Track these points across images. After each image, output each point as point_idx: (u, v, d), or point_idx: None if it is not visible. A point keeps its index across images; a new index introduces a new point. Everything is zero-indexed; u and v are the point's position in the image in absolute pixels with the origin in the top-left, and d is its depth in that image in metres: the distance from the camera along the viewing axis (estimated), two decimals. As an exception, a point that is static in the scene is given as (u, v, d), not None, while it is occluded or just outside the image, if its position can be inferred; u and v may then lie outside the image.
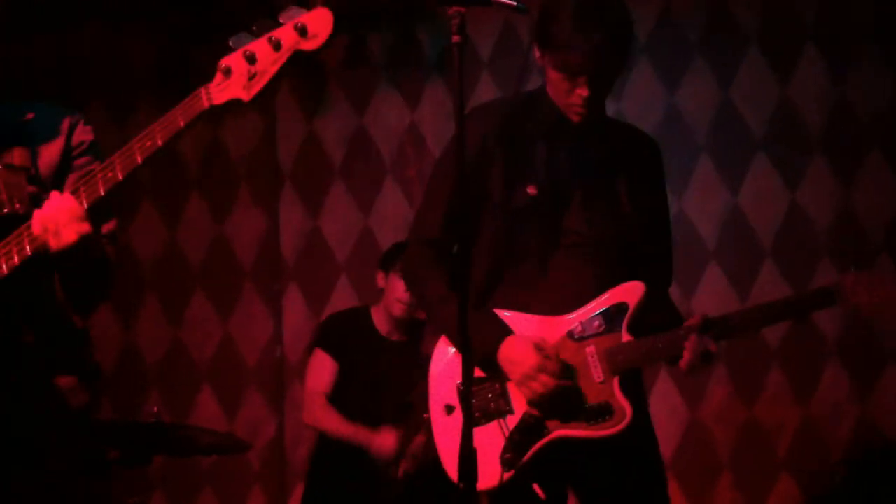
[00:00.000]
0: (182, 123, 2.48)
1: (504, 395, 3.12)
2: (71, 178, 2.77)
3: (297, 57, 2.43)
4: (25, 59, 5.74)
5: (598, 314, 3.14)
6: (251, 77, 2.42)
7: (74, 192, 2.53)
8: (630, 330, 3.12)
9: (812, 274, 5.07)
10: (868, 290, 3.04)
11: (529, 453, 3.08)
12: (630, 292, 3.14)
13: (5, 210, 2.67)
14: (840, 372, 5.11)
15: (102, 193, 2.52)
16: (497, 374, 3.12)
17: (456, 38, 2.68)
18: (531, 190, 3.15)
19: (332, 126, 5.94)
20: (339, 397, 5.00)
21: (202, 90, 2.46)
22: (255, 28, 2.45)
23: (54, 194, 2.55)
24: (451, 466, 2.98)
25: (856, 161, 5.15)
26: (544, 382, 3.04)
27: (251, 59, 2.42)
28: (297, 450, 5.77)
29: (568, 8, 3.04)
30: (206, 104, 2.47)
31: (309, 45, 2.41)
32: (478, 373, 3.09)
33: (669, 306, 3.33)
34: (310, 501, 5.08)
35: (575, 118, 3.16)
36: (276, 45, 2.41)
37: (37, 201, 2.67)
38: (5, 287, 2.59)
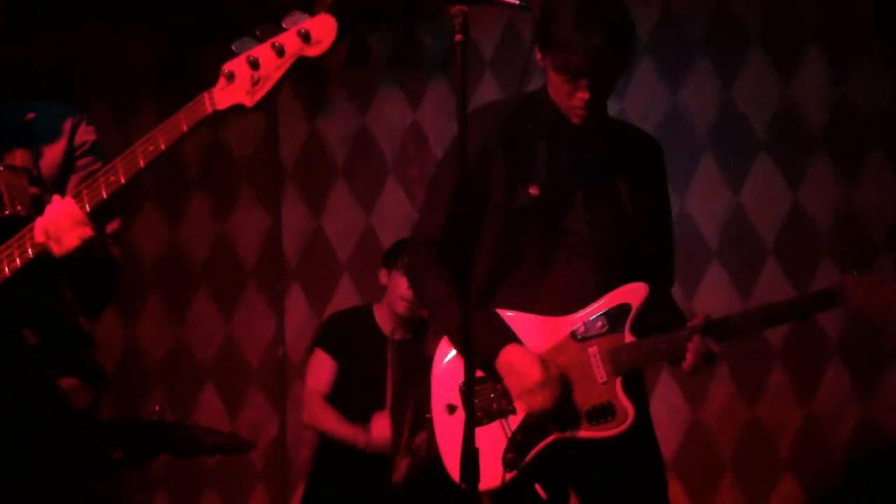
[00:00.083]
0: (185, 128, 2.48)
1: (506, 394, 3.12)
2: (73, 178, 2.77)
3: (301, 63, 2.42)
4: (25, 59, 5.74)
5: (601, 315, 3.14)
6: (255, 83, 2.42)
7: (76, 196, 2.53)
8: (633, 331, 3.13)
9: (814, 274, 5.07)
10: (870, 292, 3.05)
11: (532, 453, 3.08)
12: (633, 293, 3.14)
13: (6, 212, 2.66)
14: (842, 372, 5.11)
15: (105, 197, 2.52)
16: (499, 375, 3.12)
17: (458, 38, 2.68)
18: (533, 190, 3.15)
19: (335, 125, 5.94)
20: (341, 396, 5.00)
21: (205, 95, 2.46)
22: (258, 33, 2.45)
23: (56, 199, 2.55)
24: (453, 466, 2.98)
25: (857, 161, 5.14)
26: (546, 398, 3.04)
27: (254, 65, 2.42)
28: (299, 450, 5.77)
29: (569, 10, 3.04)
30: (209, 109, 2.47)
31: (312, 52, 2.40)
32: (479, 373, 3.09)
33: (672, 307, 3.34)
34: (312, 501, 5.08)
35: (576, 120, 3.16)
36: (280, 51, 2.40)
37: (38, 203, 2.67)
38: (8, 288, 2.59)
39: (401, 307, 4.97)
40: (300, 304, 5.96)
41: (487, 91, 5.45)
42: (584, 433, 3.07)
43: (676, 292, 3.42)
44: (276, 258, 6.01)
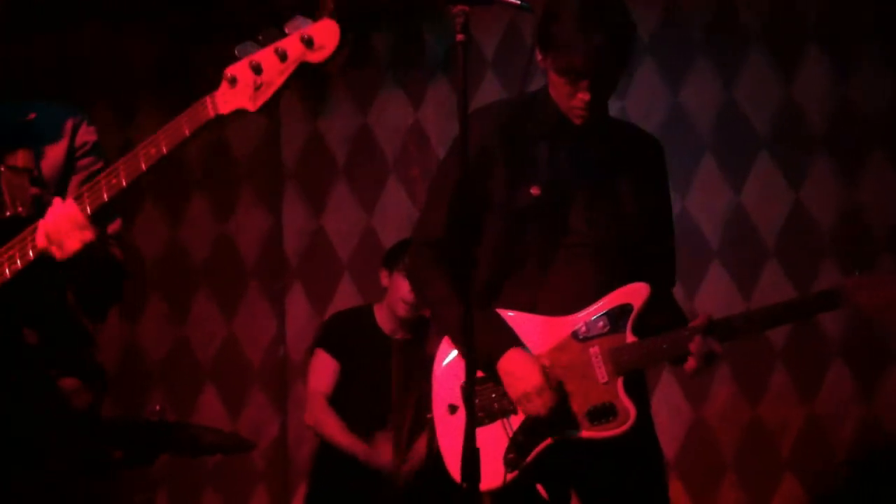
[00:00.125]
0: (187, 132, 2.48)
1: (507, 395, 3.12)
2: (75, 179, 2.77)
3: (304, 68, 2.41)
4: (25, 60, 5.74)
5: (602, 315, 3.14)
6: (257, 87, 2.42)
7: (78, 198, 2.52)
8: (634, 331, 3.13)
9: (815, 273, 5.07)
10: (872, 293, 3.05)
11: (533, 454, 3.07)
12: (635, 293, 3.14)
13: (8, 213, 2.66)
14: (844, 372, 5.11)
15: (106, 199, 2.51)
16: (500, 376, 3.12)
17: (460, 38, 2.68)
18: (535, 190, 3.15)
19: (336, 125, 5.94)
20: (342, 397, 5.00)
21: (207, 99, 2.46)
22: (260, 37, 2.44)
23: (56, 202, 2.54)
24: (455, 467, 2.98)
25: (859, 160, 5.14)
26: (542, 404, 3.04)
27: (257, 70, 2.41)
28: (300, 449, 5.77)
29: (569, 11, 3.04)
30: (211, 113, 2.47)
31: (315, 57, 2.40)
32: (481, 373, 3.09)
33: (673, 306, 3.33)
34: (313, 501, 5.08)
35: (577, 121, 3.16)
36: (283, 56, 2.40)
37: (40, 203, 2.67)
38: (9, 288, 2.59)
39: (401, 309, 4.97)
40: (301, 303, 5.96)
41: (489, 91, 5.45)
42: (586, 433, 3.07)
43: (677, 292, 3.42)
44: (277, 258, 6.01)
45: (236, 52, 2.45)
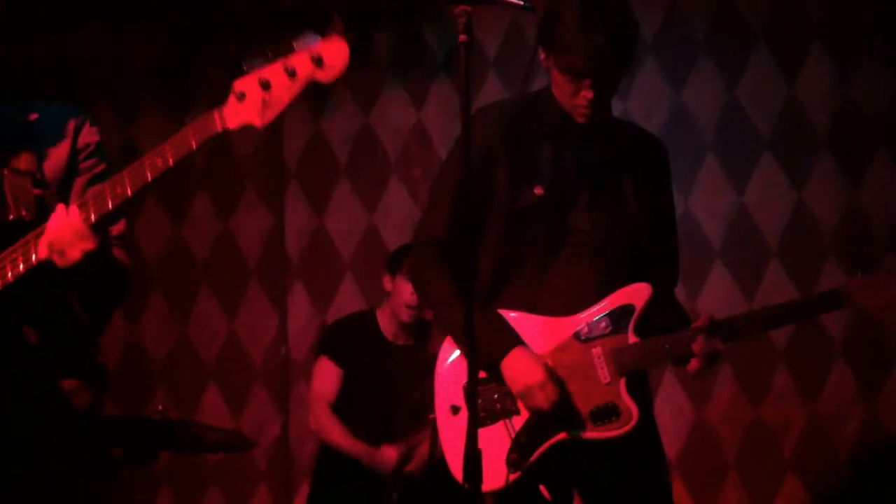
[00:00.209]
0: (194, 145, 2.47)
1: (510, 395, 3.12)
2: (79, 181, 2.77)
3: (312, 85, 2.41)
4: (26, 59, 5.74)
5: (604, 315, 3.14)
6: (265, 103, 2.41)
7: (83, 206, 2.53)
8: (636, 331, 3.13)
9: (818, 274, 5.07)
10: (874, 293, 3.05)
11: (535, 454, 3.07)
12: (637, 294, 3.14)
13: (11, 216, 2.66)
14: (846, 372, 5.10)
15: (111, 208, 2.52)
16: (502, 376, 3.12)
17: (462, 38, 2.67)
18: (538, 190, 3.15)
19: (338, 125, 5.94)
20: (347, 403, 5.00)
21: (215, 113, 2.45)
22: (269, 52, 2.44)
23: (60, 209, 2.54)
24: (457, 467, 2.98)
25: (862, 160, 5.14)
26: (544, 399, 3.04)
27: (265, 86, 2.41)
28: (302, 448, 5.77)
29: (572, 10, 3.04)
30: (219, 128, 2.46)
31: (324, 76, 2.40)
32: (484, 374, 3.09)
33: (675, 307, 3.33)
34: (315, 500, 5.08)
35: (580, 119, 3.16)
36: (292, 74, 2.39)
37: (42, 206, 2.67)
38: (10, 288, 2.59)
39: (405, 315, 4.96)
40: (303, 302, 5.96)
41: (491, 91, 5.45)
42: (588, 434, 3.07)
43: (680, 292, 3.41)
44: (279, 257, 6.01)
45: (244, 66, 2.45)
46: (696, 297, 5.20)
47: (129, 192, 2.50)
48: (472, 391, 2.66)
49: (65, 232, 2.51)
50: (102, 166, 2.81)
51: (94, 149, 2.82)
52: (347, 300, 5.72)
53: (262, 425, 5.92)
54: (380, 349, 5.02)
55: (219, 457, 5.74)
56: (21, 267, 2.56)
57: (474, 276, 2.99)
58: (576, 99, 3.11)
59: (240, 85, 2.44)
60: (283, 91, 2.40)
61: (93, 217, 2.51)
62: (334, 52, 2.38)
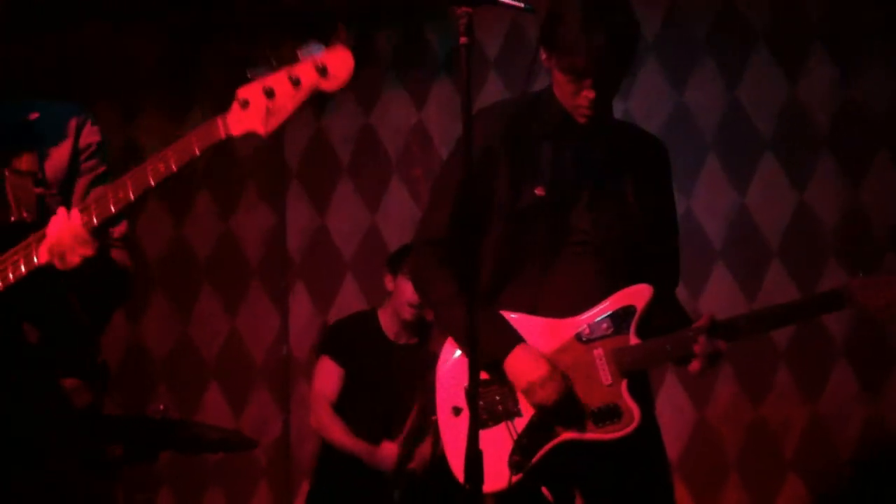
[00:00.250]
0: (197, 151, 2.48)
1: (512, 397, 3.12)
2: (81, 181, 2.77)
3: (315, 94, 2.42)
4: (27, 60, 5.74)
5: (606, 317, 3.13)
6: (269, 112, 2.41)
7: (84, 210, 2.53)
8: (638, 332, 3.13)
9: (819, 274, 5.07)
10: (876, 293, 3.04)
11: (538, 456, 3.07)
12: (638, 295, 3.14)
13: (12, 217, 2.66)
14: (848, 372, 5.10)
15: (113, 212, 2.52)
16: (505, 377, 3.12)
17: (463, 40, 2.67)
18: (539, 191, 3.15)
19: (339, 125, 5.94)
20: (348, 402, 5.00)
21: (219, 119, 2.46)
22: (273, 61, 2.44)
23: (61, 213, 2.55)
24: (459, 468, 2.97)
25: (864, 161, 5.13)
26: (550, 393, 3.04)
27: (269, 94, 2.41)
28: (303, 447, 5.77)
29: (574, 10, 3.04)
30: (222, 134, 2.46)
31: (329, 86, 2.40)
32: (485, 375, 3.09)
33: (676, 307, 3.33)
34: (316, 499, 5.08)
35: (581, 120, 3.16)
36: (296, 83, 2.39)
37: (44, 206, 2.67)
38: (11, 289, 2.59)
39: (407, 313, 4.96)
40: (304, 302, 5.96)
41: (492, 91, 5.45)
42: (590, 435, 3.07)
43: (681, 293, 3.41)
44: (281, 257, 6.01)
45: (248, 73, 2.45)
46: (698, 297, 5.20)
47: (131, 197, 2.50)
48: (473, 391, 2.66)
49: (65, 237, 2.52)
50: (104, 168, 2.81)
51: (96, 149, 2.82)
52: (349, 300, 5.72)
53: (263, 425, 5.92)
54: (382, 349, 5.02)
55: (219, 456, 5.74)
56: (23, 269, 2.57)
57: (475, 276, 2.99)
58: (577, 99, 3.11)
59: (243, 92, 2.43)
60: (287, 99, 2.40)
61: (95, 221, 2.52)
62: (338, 62, 2.38)
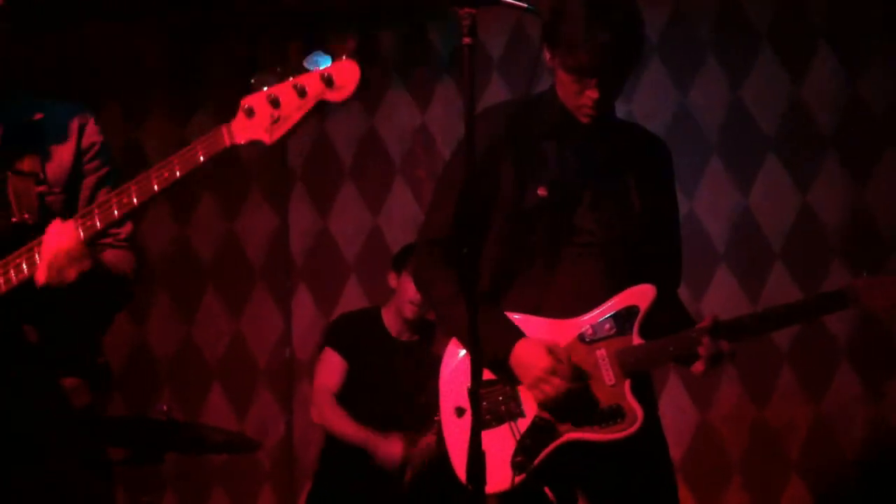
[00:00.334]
0: (202, 159, 2.48)
1: (515, 397, 3.12)
2: (86, 182, 2.78)
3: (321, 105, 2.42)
4: (28, 60, 5.74)
5: (609, 317, 3.13)
6: (274, 121, 2.42)
7: (87, 215, 2.53)
8: (641, 333, 3.12)
9: (823, 276, 5.06)
10: (881, 294, 3.04)
11: (540, 456, 3.07)
12: (641, 295, 3.14)
13: (14, 219, 2.67)
14: (851, 373, 5.10)
15: (117, 217, 2.53)
16: (508, 377, 3.12)
17: (467, 40, 2.67)
18: (542, 191, 3.15)
19: (343, 126, 5.94)
20: (349, 398, 5.00)
21: (224, 128, 2.46)
22: (279, 69, 2.44)
23: (54, 227, 2.55)
24: (462, 469, 2.96)
25: (868, 161, 5.13)
26: (556, 385, 3.04)
27: (275, 103, 2.41)
28: (306, 449, 5.77)
29: (578, 10, 3.04)
30: (227, 142, 2.47)
31: (334, 97, 2.41)
32: (488, 375, 3.09)
33: (679, 307, 3.33)
34: (318, 500, 5.08)
35: (584, 119, 3.15)
36: (301, 93, 2.40)
37: (45, 208, 2.67)
38: (12, 289, 2.60)
39: (409, 311, 4.97)
40: (307, 304, 5.96)
41: (495, 91, 5.45)
42: (594, 435, 3.06)
43: (684, 294, 3.41)
44: (284, 258, 6.01)
45: (253, 81, 2.45)
46: (701, 298, 5.20)
47: (135, 203, 2.51)
48: (475, 390, 2.66)
49: (61, 256, 2.53)
50: (107, 169, 2.81)
51: (99, 149, 2.83)
52: (352, 302, 5.72)
53: (267, 426, 5.92)
54: (385, 346, 5.03)
55: (223, 458, 5.74)
56: (25, 271, 2.57)
57: (477, 276, 2.99)
58: (581, 99, 3.11)
59: (248, 101, 2.44)
60: (293, 109, 2.41)
61: (99, 224, 2.52)
62: (345, 73, 2.39)
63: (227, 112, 2.53)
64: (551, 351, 3.07)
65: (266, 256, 6.04)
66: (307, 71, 2.41)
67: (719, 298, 5.18)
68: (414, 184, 5.77)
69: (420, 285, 3.35)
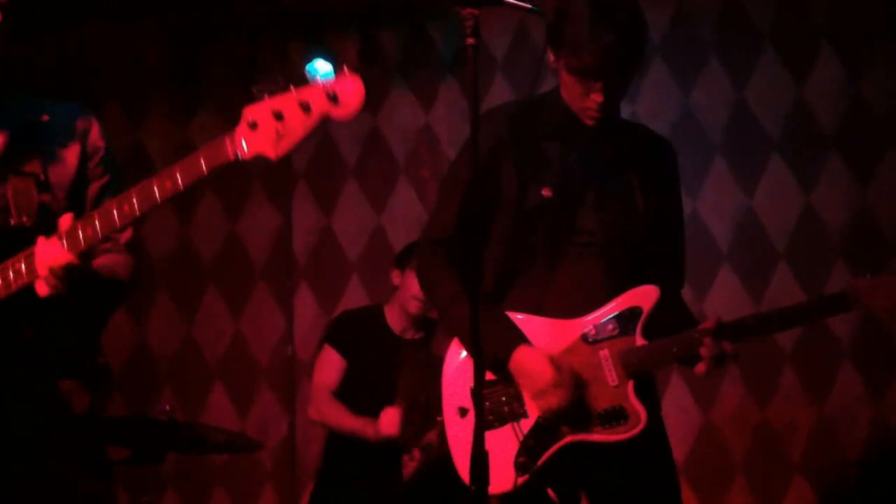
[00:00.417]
0: (205, 171, 2.47)
1: (518, 398, 3.11)
2: (91, 188, 2.77)
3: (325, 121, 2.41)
4: (28, 59, 5.74)
5: (612, 318, 3.13)
6: (279, 135, 2.40)
7: (87, 222, 2.53)
8: (644, 334, 3.12)
9: (826, 276, 5.06)
10: (884, 295, 3.03)
11: (544, 457, 3.06)
12: (644, 296, 3.13)
13: (12, 222, 2.66)
14: (854, 373, 5.10)
15: (118, 227, 2.52)
16: (510, 378, 3.11)
17: (470, 41, 2.67)
18: (546, 192, 3.15)
19: (346, 125, 5.90)
20: (349, 394, 4.99)
21: (227, 139, 2.44)
22: (281, 79, 2.42)
23: (41, 242, 2.54)
24: (465, 470, 2.96)
25: (871, 161, 5.13)
26: (560, 397, 3.03)
27: (279, 117, 2.39)
28: (308, 449, 5.77)
29: (582, 11, 3.03)
30: (231, 156, 2.44)
31: (339, 113, 2.39)
32: (491, 376, 3.08)
33: (681, 307, 3.32)
34: (320, 500, 5.07)
35: (589, 122, 3.15)
36: (306, 108, 2.38)
37: (46, 211, 2.67)
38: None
39: (413, 307, 4.97)
40: (309, 303, 5.96)
41: (499, 92, 5.45)
42: (597, 437, 3.06)
43: (687, 294, 3.41)
44: (286, 258, 6.01)
45: (255, 91, 2.43)
46: (704, 298, 5.20)
47: (137, 212, 2.51)
48: (477, 391, 2.65)
49: (55, 271, 2.52)
50: (108, 177, 2.80)
51: (103, 154, 2.82)
52: (354, 301, 5.72)
53: (269, 426, 5.92)
54: (387, 343, 5.02)
55: (224, 458, 5.74)
56: (25, 277, 2.57)
57: (480, 276, 2.99)
58: (585, 102, 3.11)
59: (251, 113, 2.41)
60: (297, 123, 2.39)
61: (100, 232, 2.52)
62: (350, 90, 2.38)
63: (228, 112, 2.51)
64: (553, 362, 3.06)
65: (268, 255, 6.04)
66: (309, 77, 2.40)
67: (722, 298, 5.18)
68: (417, 183, 5.77)
69: (423, 285, 3.35)
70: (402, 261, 5.07)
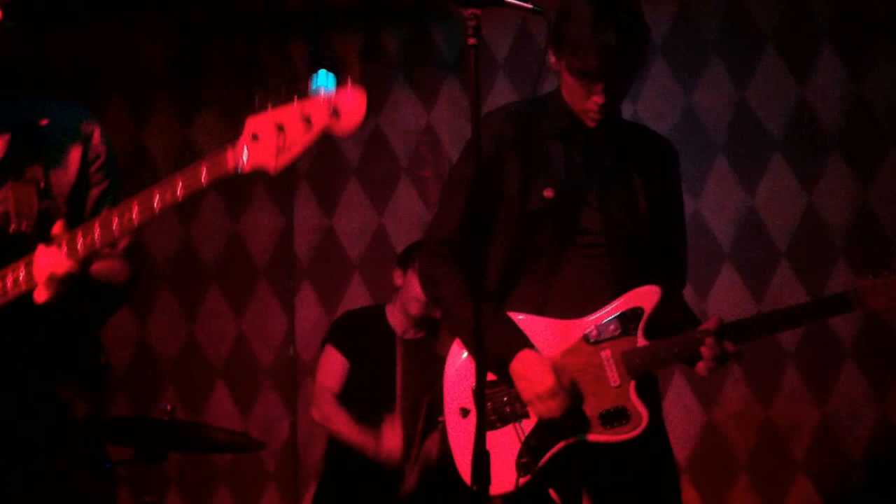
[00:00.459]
0: (205, 183, 2.47)
1: (520, 398, 3.11)
2: (92, 193, 2.77)
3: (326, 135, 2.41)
4: (32, 59, 5.74)
5: (613, 318, 3.13)
6: (280, 148, 2.40)
7: (86, 226, 2.53)
8: (646, 334, 3.12)
9: (827, 275, 5.05)
10: (886, 295, 3.03)
11: (546, 457, 3.07)
12: (646, 296, 3.14)
13: (12, 228, 2.66)
14: (857, 373, 5.09)
15: (117, 235, 2.52)
16: (511, 380, 3.11)
17: (472, 41, 2.67)
18: (548, 193, 3.15)
19: (348, 125, 5.92)
20: (352, 395, 4.99)
21: (229, 151, 2.43)
22: (283, 90, 2.42)
23: (41, 250, 2.54)
24: (466, 470, 2.96)
25: (873, 160, 5.13)
26: (559, 404, 3.03)
27: (280, 129, 2.39)
28: (310, 449, 5.76)
29: (584, 13, 3.04)
30: (231, 169, 2.44)
31: (341, 127, 2.39)
32: (493, 376, 3.09)
33: (683, 307, 3.33)
34: (323, 501, 5.07)
35: (590, 123, 3.16)
36: (307, 122, 2.38)
37: (46, 217, 2.67)
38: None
39: (415, 308, 4.97)
40: (311, 303, 5.95)
41: (500, 92, 5.44)
42: (598, 437, 3.06)
43: (688, 294, 3.41)
44: (288, 257, 6.00)
45: (258, 100, 2.42)
46: (705, 298, 5.19)
47: (135, 222, 2.51)
48: (479, 391, 2.65)
49: (55, 279, 2.52)
50: (107, 182, 2.80)
51: (105, 160, 2.82)
52: (356, 301, 5.71)
53: (271, 426, 5.91)
54: (389, 344, 5.02)
55: (227, 458, 5.74)
56: (23, 286, 2.57)
57: (483, 277, 2.99)
58: (587, 103, 3.11)
59: (253, 124, 2.41)
60: (298, 136, 2.39)
61: (98, 242, 2.52)
62: (352, 105, 2.38)
63: (230, 111, 2.51)
64: (555, 368, 3.06)
65: (270, 255, 6.03)
66: (313, 97, 2.39)
67: (724, 297, 5.17)
68: (419, 183, 5.77)
69: (426, 285, 3.36)
70: (404, 261, 5.06)
